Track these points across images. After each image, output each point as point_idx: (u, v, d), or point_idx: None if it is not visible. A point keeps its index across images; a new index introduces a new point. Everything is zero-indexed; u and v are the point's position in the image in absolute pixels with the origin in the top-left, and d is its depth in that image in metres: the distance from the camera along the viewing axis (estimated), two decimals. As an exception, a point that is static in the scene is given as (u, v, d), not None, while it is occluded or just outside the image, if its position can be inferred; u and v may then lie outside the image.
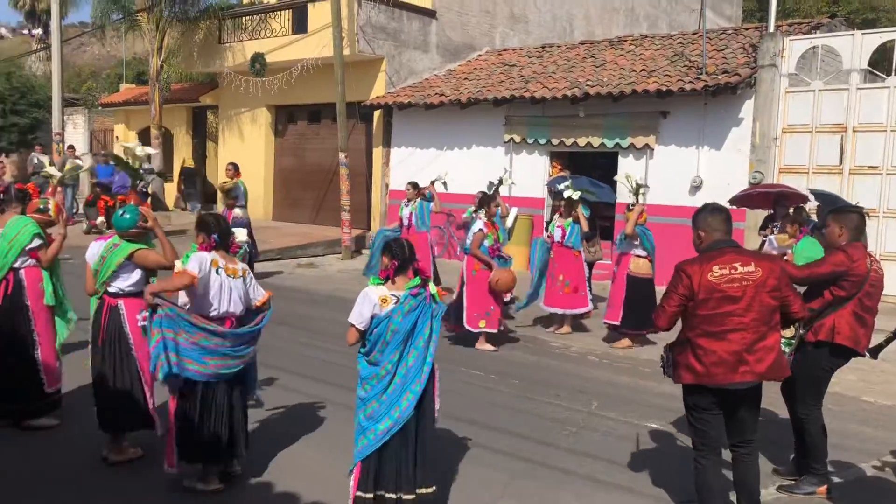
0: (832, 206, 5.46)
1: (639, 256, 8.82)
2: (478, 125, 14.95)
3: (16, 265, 5.55)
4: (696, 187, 12.46)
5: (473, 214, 9.27)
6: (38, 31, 29.65)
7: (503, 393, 7.14)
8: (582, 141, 13.54)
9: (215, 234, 4.67)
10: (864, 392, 7.41)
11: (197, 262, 4.53)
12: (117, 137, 24.22)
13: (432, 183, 11.68)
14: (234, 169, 11.93)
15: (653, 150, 12.88)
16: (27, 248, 5.56)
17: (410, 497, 4.26)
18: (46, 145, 19.75)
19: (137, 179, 5.86)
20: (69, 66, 29.73)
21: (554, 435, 6.03)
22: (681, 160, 12.60)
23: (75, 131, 26.22)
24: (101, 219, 5.19)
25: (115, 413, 5.02)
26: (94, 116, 26.66)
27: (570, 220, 9.52)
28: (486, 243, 8.61)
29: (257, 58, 17.29)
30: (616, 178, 10.61)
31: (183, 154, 22.06)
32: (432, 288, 4.43)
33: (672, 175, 12.62)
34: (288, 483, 4.92)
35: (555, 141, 13.94)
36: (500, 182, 10.96)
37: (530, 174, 14.24)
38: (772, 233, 8.71)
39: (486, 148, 14.95)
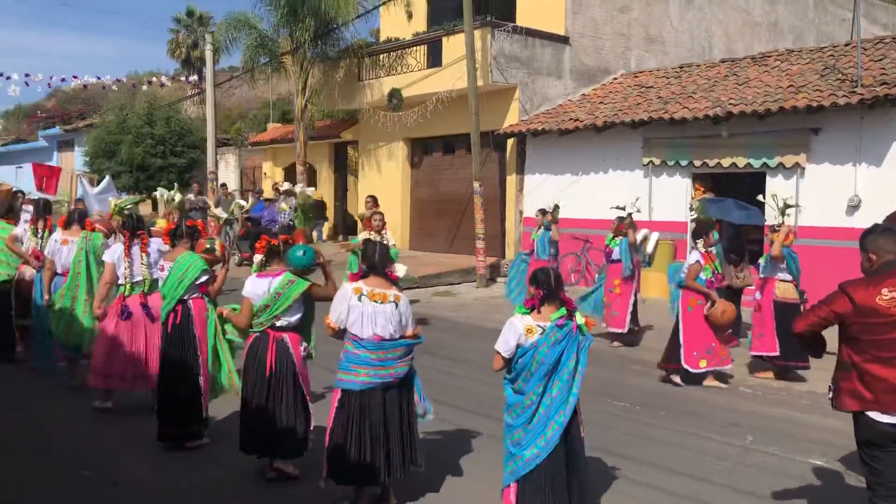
0: None
1: (784, 281, 8.33)
2: (614, 149, 14.68)
3: (184, 297, 5.94)
4: (853, 207, 11.64)
5: (694, 246, 8.80)
6: (193, 78, 31.88)
7: (650, 425, 6.87)
8: (726, 162, 13.01)
9: (366, 264, 4.83)
10: None
11: (339, 306, 4.72)
12: (265, 174, 25.56)
13: (548, 211, 11.59)
14: (374, 201, 12.27)
15: (804, 168, 12.18)
16: (196, 283, 5.97)
17: None
18: (202, 183, 21.08)
19: (312, 220, 6.14)
20: (221, 109, 31.73)
21: (707, 470, 5.73)
22: (836, 178, 11.83)
23: (227, 169, 27.94)
24: (258, 257, 5.42)
25: (274, 440, 5.19)
26: (244, 155, 28.30)
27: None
28: (703, 276, 8.05)
29: (394, 93, 17.82)
30: (759, 197, 10.10)
31: (325, 188, 22.96)
32: (579, 319, 4.38)
33: (826, 194, 11.87)
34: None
35: (697, 162, 13.47)
36: (630, 213, 10.64)
37: (671, 197, 13.82)
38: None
39: (623, 172, 14.64)
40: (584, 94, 17.12)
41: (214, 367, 5.42)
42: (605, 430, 6.53)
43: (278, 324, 5.19)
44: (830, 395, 4.10)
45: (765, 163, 12.53)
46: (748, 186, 12.63)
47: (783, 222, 8.55)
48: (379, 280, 4.80)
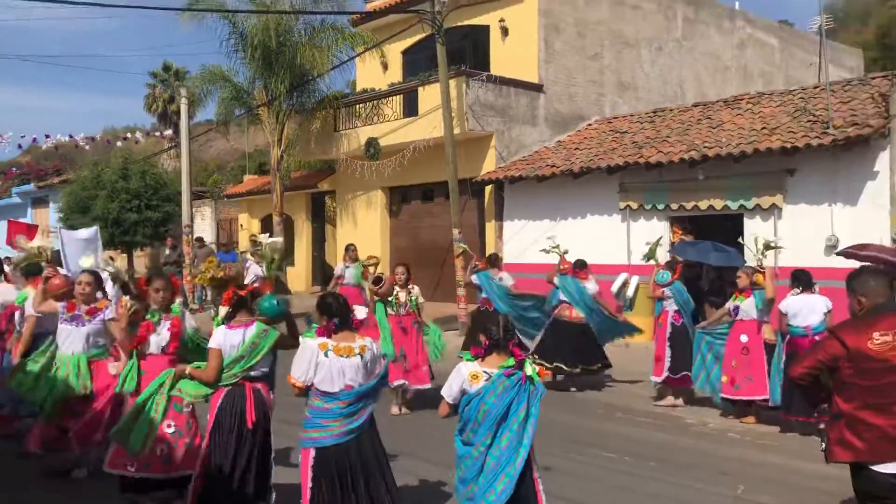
0: None
1: (766, 322, 8.30)
2: (592, 194, 14.69)
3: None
4: (831, 247, 11.62)
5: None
6: (168, 132, 31.76)
7: (639, 477, 6.65)
8: (703, 204, 13.03)
9: (335, 317, 4.68)
10: None
11: (304, 364, 4.59)
12: (241, 226, 25.36)
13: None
14: (352, 249, 12.02)
15: (780, 209, 12.21)
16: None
17: None
18: (177, 237, 20.82)
19: (275, 270, 5.94)
20: (197, 162, 31.61)
21: (700, 523, 5.54)
22: (813, 219, 11.87)
23: (203, 222, 27.68)
24: (224, 309, 5.16)
25: (247, 494, 5.01)
26: (220, 207, 28.09)
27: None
28: None
29: (371, 142, 17.82)
30: (740, 240, 10.09)
31: (303, 239, 22.77)
32: (529, 369, 4.23)
33: (804, 235, 11.86)
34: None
35: (674, 206, 13.48)
36: (550, 249, 10.52)
37: (650, 241, 13.75)
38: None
39: (601, 216, 14.63)
40: (559, 141, 17.20)
41: (130, 422, 5.14)
42: (592, 483, 6.33)
43: (253, 374, 5.08)
44: (822, 448, 3.97)
45: (742, 204, 12.57)
46: (728, 229, 12.64)
47: (761, 264, 8.52)
48: (343, 333, 4.69)
